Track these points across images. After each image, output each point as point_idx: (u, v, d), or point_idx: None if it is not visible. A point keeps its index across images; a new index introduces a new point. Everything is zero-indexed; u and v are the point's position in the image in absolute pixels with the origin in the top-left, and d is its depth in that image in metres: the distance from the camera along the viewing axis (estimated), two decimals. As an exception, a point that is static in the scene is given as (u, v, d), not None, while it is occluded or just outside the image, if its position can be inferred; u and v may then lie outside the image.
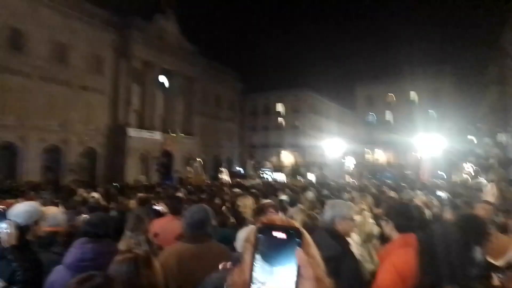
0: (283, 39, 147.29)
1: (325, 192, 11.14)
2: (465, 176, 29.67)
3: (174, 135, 35.87)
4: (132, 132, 32.75)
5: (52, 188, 14.33)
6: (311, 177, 38.51)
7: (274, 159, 57.09)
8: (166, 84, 37.87)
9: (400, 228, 2.60)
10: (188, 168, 28.87)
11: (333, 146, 40.06)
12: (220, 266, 2.01)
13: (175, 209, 4.62)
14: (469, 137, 45.44)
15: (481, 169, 25.39)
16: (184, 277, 2.45)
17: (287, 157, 58.51)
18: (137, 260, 2.04)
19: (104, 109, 32.21)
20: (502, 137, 30.07)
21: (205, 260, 2.46)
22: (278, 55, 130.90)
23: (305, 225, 3.70)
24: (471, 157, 33.10)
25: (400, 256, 2.13)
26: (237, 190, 11.79)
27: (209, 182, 24.73)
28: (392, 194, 9.18)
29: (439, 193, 8.46)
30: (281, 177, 43.07)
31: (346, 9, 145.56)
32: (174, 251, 2.66)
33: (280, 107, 59.92)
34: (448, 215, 4.47)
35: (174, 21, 37.64)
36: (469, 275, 1.54)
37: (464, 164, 34.24)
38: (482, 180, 7.41)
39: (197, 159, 29.24)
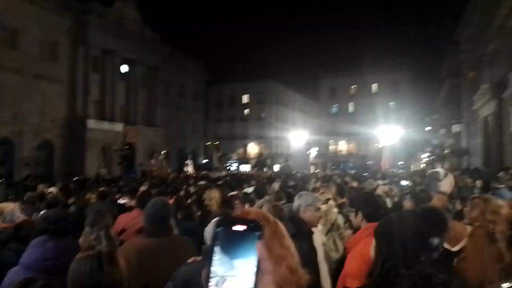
0: (249, 30, 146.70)
1: (291, 183, 11.29)
2: (422, 165, 31.17)
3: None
4: (92, 123, 31.44)
5: (5, 183, 13.49)
6: (277, 168, 38.93)
7: (240, 150, 57.15)
8: (128, 73, 36.59)
9: (370, 218, 2.66)
10: (152, 161, 28.25)
11: (298, 138, 40.63)
12: (190, 260, 1.98)
13: (144, 203, 4.46)
14: (426, 128, 47.67)
15: (437, 158, 26.73)
16: (145, 271, 2.40)
17: (253, 149, 58.76)
18: (100, 257, 1.93)
19: (61, 99, 30.62)
20: (456, 128, 31.74)
21: (167, 253, 2.42)
22: (243, 46, 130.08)
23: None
24: (428, 147, 34.75)
25: (368, 245, 2.15)
26: (202, 182, 11.68)
27: (173, 174, 24.33)
28: (355, 184, 9.41)
29: (403, 182, 8.79)
30: (247, 168, 43.25)
31: (310, 1, 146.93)
32: (133, 246, 2.58)
33: (245, 98, 59.82)
34: (408, 203, 4.63)
35: (135, 8, 36.27)
36: (425, 261, 1.60)
37: (422, 154, 35.95)
38: (439, 169, 7.75)
39: (161, 151, 28.62)
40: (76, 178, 16.64)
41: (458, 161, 28.94)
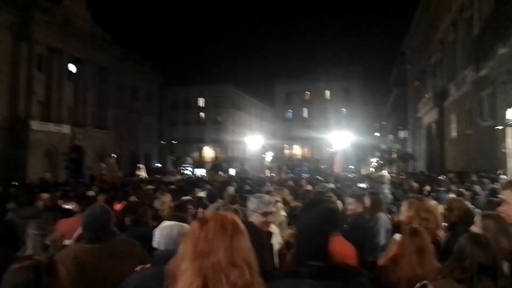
0: (205, 32, 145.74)
1: (246, 186, 11.23)
2: (371, 169, 32.54)
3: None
4: (35, 124, 29.41)
5: None
6: (233, 172, 38.79)
7: (195, 154, 56.30)
8: (77, 73, 34.73)
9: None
10: (102, 165, 26.92)
11: (254, 142, 40.81)
12: (138, 268, 1.96)
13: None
14: (375, 134, 49.95)
15: (385, 162, 28.06)
16: (85, 279, 2.31)
17: (208, 153, 58.16)
18: (37, 268, 1.76)
19: (1, 98, 28.41)
20: (402, 134, 33.53)
21: (108, 259, 2.34)
22: (199, 49, 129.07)
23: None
24: (376, 152, 36.38)
25: None
26: (150, 187, 11.37)
27: (125, 179, 23.36)
28: (309, 187, 9.56)
29: (361, 184, 9.10)
30: (202, 172, 42.66)
31: (267, 7, 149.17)
32: (70, 253, 2.49)
33: (201, 102, 59.15)
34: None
35: (84, 5, 34.58)
36: (323, 255, 1.90)
37: (371, 158, 37.57)
38: (384, 172, 8.12)
39: (112, 155, 27.41)
40: (15, 182, 15.42)
41: (404, 165, 30.57)
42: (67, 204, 6.36)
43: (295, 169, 41.22)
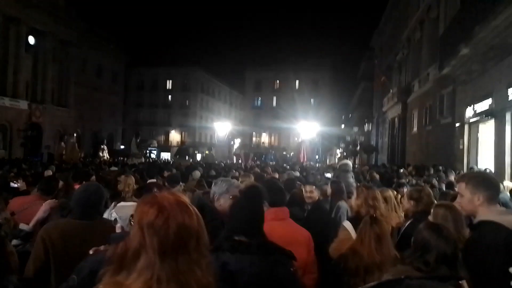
0: (175, 13, 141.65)
1: (213, 172, 11.16)
2: (336, 160, 33.31)
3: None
4: (-11, 98, 27.64)
5: None
6: (200, 157, 38.43)
7: (161, 138, 55.17)
8: (36, 46, 32.71)
9: (272, 203, 2.86)
10: (61, 144, 25.78)
11: (222, 128, 40.51)
12: (91, 251, 1.93)
13: (46, 189, 3.98)
14: (342, 125, 51.09)
15: (350, 154, 28.81)
16: (69, 252, 2.38)
17: (175, 137, 57.17)
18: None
19: (-51, 68, 26.38)
20: (367, 127, 34.50)
21: (94, 236, 2.34)
22: (169, 29, 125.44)
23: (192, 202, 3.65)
24: (342, 143, 37.26)
25: (268, 228, 2.27)
26: (114, 168, 11.09)
27: (85, 160, 22.54)
28: (276, 175, 9.62)
29: (327, 174, 9.28)
30: (168, 156, 41.95)
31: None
32: (58, 225, 2.56)
33: (169, 84, 57.73)
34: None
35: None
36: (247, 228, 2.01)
37: (337, 149, 38.49)
38: (348, 161, 8.31)
39: (73, 134, 26.27)
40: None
41: (368, 157, 31.55)
42: (15, 183, 6.13)
43: (262, 156, 41.46)
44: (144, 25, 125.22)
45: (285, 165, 19.27)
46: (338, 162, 26.06)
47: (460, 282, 0.73)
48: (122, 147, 44.00)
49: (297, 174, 10.58)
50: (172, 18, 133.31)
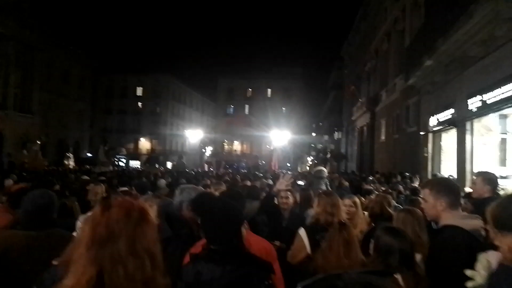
0: (146, 19, 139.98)
1: (183, 180, 11.00)
2: (307, 167, 33.70)
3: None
4: None
5: None
6: (170, 165, 37.79)
7: (130, 145, 53.89)
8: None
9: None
10: (24, 151, 24.66)
11: (193, 136, 40.08)
12: (55, 262, 1.82)
13: (16, 201, 3.77)
14: (313, 133, 51.85)
15: (320, 161, 29.23)
16: (11, 265, 2.22)
17: (145, 144, 56.00)
18: None
19: None
20: (337, 135, 35.18)
21: (38, 250, 2.22)
22: (140, 35, 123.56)
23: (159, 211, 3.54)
24: (313, 151, 37.77)
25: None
26: (85, 177, 10.72)
27: (49, 167, 21.64)
28: (248, 182, 9.60)
29: (299, 182, 9.35)
30: (137, 165, 41.00)
31: (214, 4, 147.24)
32: (2, 238, 2.38)
33: (139, 91, 56.64)
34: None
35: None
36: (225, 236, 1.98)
37: (308, 157, 38.97)
38: (322, 168, 8.43)
39: (37, 142, 25.19)
40: None
41: (338, 165, 32.12)
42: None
43: (234, 164, 41.30)
44: (114, 30, 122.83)
45: (257, 173, 19.28)
46: (310, 170, 26.39)
47: (395, 276, 0.76)
48: (89, 155, 42.59)
49: (270, 182, 10.64)
50: (143, 24, 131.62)
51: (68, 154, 27.23)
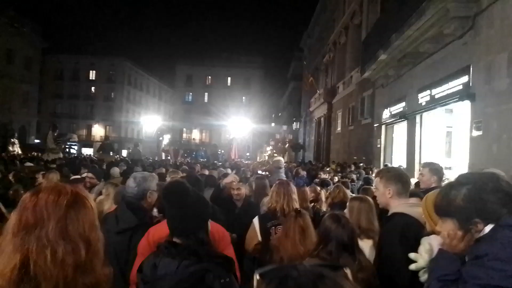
0: (102, 1, 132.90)
1: (138, 168, 10.69)
2: (266, 157, 34.03)
3: None
4: None
5: None
6: (125, 153, 36.61)
7: (82, 132, 51.46)
8: None
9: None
10: (-39, 137, 22.76)
11: (150, 123, 39.02)
12: None
13: None
14: (272, 123, 52.33)
15: (279, 151, 29.65)
16: None
17: (98, 131, 53.70)
18: None
19: None
20: (296, 126, 35.80)
21: None
22: (92, 15, 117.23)
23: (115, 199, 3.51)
24: (271, 141, 38.18)
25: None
26: (29, 164, 10.12)
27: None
28: (206, 171, 9.53)
29: (259, 171, 9.46)
30: (90, 152, 39.30)
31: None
32: None
33: (92, 75, 53.96)
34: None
35: None
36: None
37: (267, 147, 39.34)
38: (280, 158, 8.60)
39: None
40: None
41: (295, 155, 32.74)
42: None
43: (193, 153, 40.81)
44: (66, 6, 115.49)
45: (216, 162, 19.20)
46: (268, 159, 26.75)
47: (344, 270, 0.81)
48: (36, 141, 40.15)
49: (229, 171, 10.63)
50: (98, 4, 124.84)
51: (13, 140, 25.52)
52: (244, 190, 4.55)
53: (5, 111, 37.80)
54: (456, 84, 7.84)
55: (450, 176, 5.20)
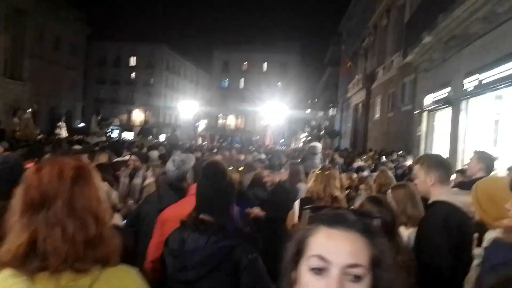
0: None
1: (177, 152, 10.98)
2: (301, 144, 33.77)
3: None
4: None
5: None
6: (163, 138, 37.66)
7: (123, 116, 53.41)
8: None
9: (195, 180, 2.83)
10: (15, 119, 24.30)
11: (187, 108, 39.72)
12: None
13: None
14: (308, 110, 51.67)
15: (314, 138, 29.23)
16: None
17: (138, 116, 55.51)
18: None
19: None
20: (332, 112, 35.11)
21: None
22: (135, 2, 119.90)
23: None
24: (307, 127, 37.76)
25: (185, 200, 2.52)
26: (78, 147, 10.63)
27: (42, 136, 21.44)
28: (242, 156, 9.62)
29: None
30: (130, 136, 40.81)
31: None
32: None
33: (133, 61, 55.55)
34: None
35: None
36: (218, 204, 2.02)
37: (301, 134, 39.00)
38: (317, 143, 8.43)
39: (27, 110, 24.80)
40: None
41: (331, 142, 32.23)
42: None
43: (228, 139, 41.28)
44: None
45: (251, 147, 19.31)
46: (303, 146, 26.48)
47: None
48: (81, 125, 42.21)
49: (263, 156, 10.66)
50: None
51: (59, 124, 26.94)
52: (273, 177, 4.59)
53: (53, 97, 39.97)
54: (508, 68, 7.30)
55: (496, 166, 4.89)
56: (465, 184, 3.49)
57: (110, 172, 4.35)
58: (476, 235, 2.33)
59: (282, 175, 4.87)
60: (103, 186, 1.21)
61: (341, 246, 0.78)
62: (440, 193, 2.32)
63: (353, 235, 0.80)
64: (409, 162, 9.27)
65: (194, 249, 1.85)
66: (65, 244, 1.00)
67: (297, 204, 3.58)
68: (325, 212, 0.87)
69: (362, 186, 5.02)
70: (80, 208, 1.06)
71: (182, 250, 1.88)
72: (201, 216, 1.96)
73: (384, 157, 10.99)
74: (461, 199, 2.32)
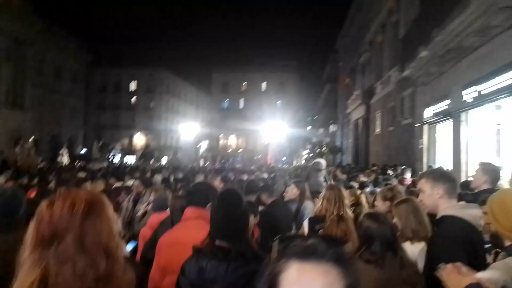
0: (140, 11, 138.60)
1: (179, 175, 10.96)
2: (303, 161, 33.73)
3: None
4: None
5: None
6: (165, 160, 37.71)
7: (125, 141, 53.59)
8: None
9: (191, 204, 2.66)
10: (16, 149, 24.39)
11: (188, 130, 39.93)
12: None
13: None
14: (308, 127, 51.83)
15: (316, 155, 29.20)
16: None
17: (139, 140, 55.67)
18: None
19: None
20: (332, 128, 35.18)
21: (9, 253, 2.00)
22: (133, 28, 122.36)
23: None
24: (308, 144, 37.77)
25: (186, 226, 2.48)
26: (82, 174, 10.66)
27: (44, 165, 21.45)
28: (245, 177, 9.59)
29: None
30: (132, 160, 40.86)
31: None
32: None
33: (133, 85, 56.16)
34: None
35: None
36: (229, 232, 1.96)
37: (303, 151, 39.02)
38: (321, 160, 8.35)
39: (29, 138, 24.91)
40: None
41: (333, 158, 32.16)
42: None
43: (230, 159, 41.29)
44: (107, 23, 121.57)
45: (253, 167, 19.29)
46: (305, 163, 26.38)
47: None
48: (83, 151, 42.33)
49: (265, 175, 10.70)
50: (136, 17, 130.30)
51: (61, 151, 27.03)
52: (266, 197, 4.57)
53: (55, 124, 40.23)
54: (506, 79, 7.35)
55: (501, 176, 4.85)
56: (469, 196, 3.45)
57: (110, 198, 4.32)
58: (487, 245, 2.29)
59: (289, 193, 4.84)
60: (115, 218, 1.18)
61: (313, 283, 0.77)
62: (448, 207, 2.29)
63: (325, 267, 0.78)
64: (408, 175, 9.23)
65: (214, 278, 1.80)
66: (76, 281, 0.98)
67: (306, 223, 3.53)
68: (296, 244, 0.85)
69: (376, 203, 4.98)
70: (91, 243, 1.05)
71: (203, 280, 1.82)
72: (217, 242, 1.91)
73: (388, 171, 10.92)
74: (470, 213, 2.28)
